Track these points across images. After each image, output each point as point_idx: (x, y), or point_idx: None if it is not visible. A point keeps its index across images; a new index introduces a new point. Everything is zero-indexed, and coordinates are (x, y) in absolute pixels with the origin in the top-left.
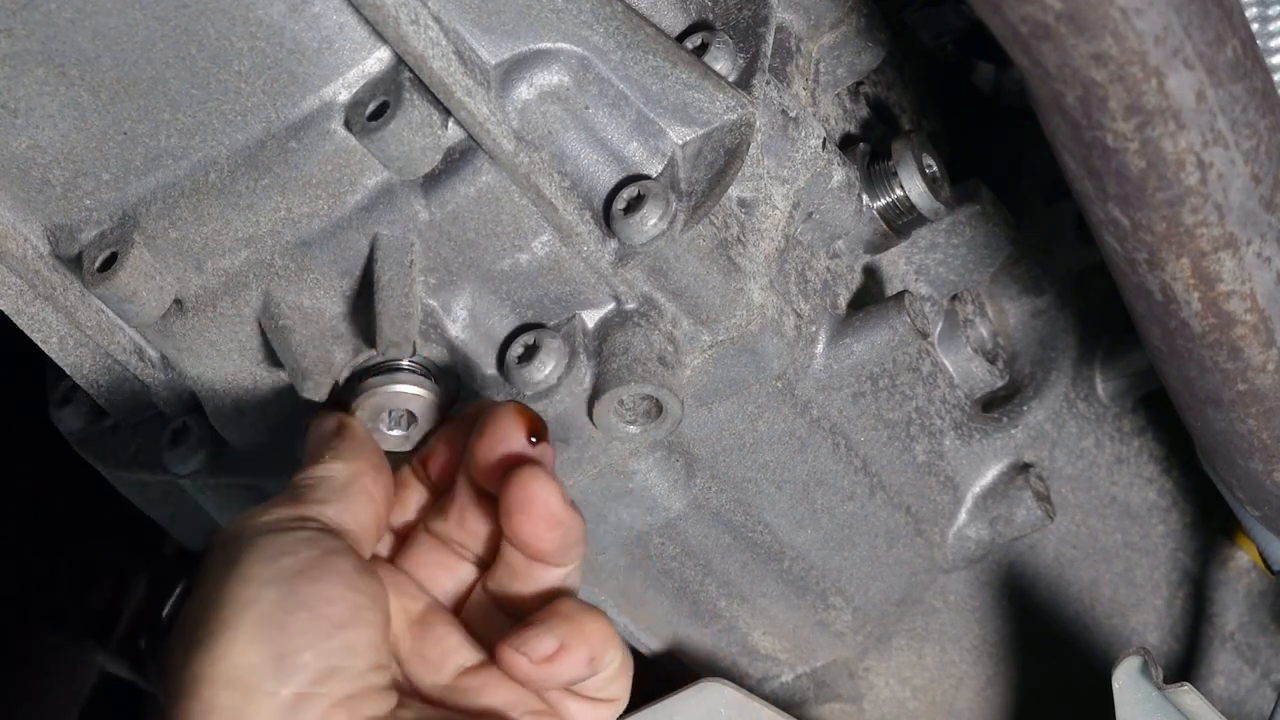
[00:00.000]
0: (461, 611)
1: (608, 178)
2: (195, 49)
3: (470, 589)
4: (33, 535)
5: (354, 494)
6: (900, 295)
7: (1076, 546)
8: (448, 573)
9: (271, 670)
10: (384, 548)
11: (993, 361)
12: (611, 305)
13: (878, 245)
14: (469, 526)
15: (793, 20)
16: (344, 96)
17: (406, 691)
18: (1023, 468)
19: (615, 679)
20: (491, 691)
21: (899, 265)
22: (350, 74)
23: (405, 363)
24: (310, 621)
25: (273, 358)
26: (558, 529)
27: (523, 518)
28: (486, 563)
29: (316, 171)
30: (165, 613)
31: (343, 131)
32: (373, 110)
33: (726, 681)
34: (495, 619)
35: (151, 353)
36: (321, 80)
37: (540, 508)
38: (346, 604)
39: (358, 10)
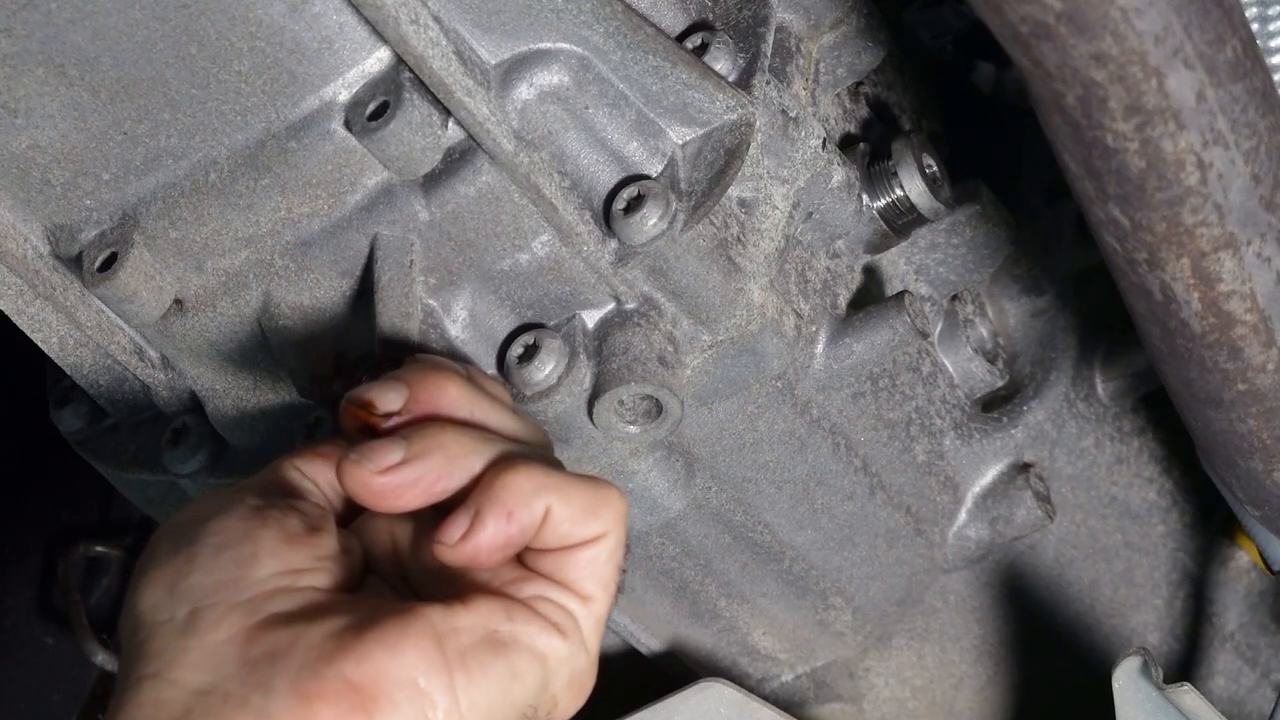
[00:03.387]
0: None
1: (608, 178)
2: (195, 49)
3: None
4: (33, 534)
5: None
6: (900, 295)
7: (1076, 546)
8: None
9: (166, 601)
10: None
11: (993, 361)
12: (611, 305)
13: (878, 245)
14: None
15: (793, 20)
16: (344, 96)
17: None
18: (1023, 468)
19: (570, 521)
20: (469, 574)
21: (899, 265)
22: (350, 74)
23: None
24: (199, 553)
25: (273, 358)
26: (387, 489)
27: (360, 496)
28: None
29: (316, 171)
30: None
31: (343, 131)
32: (373, 110)
33: (726, 681)
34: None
35: (151, 353)
36: (321, 80)
37: (360, 489)
38: (235, 530)
39: (358, 10)
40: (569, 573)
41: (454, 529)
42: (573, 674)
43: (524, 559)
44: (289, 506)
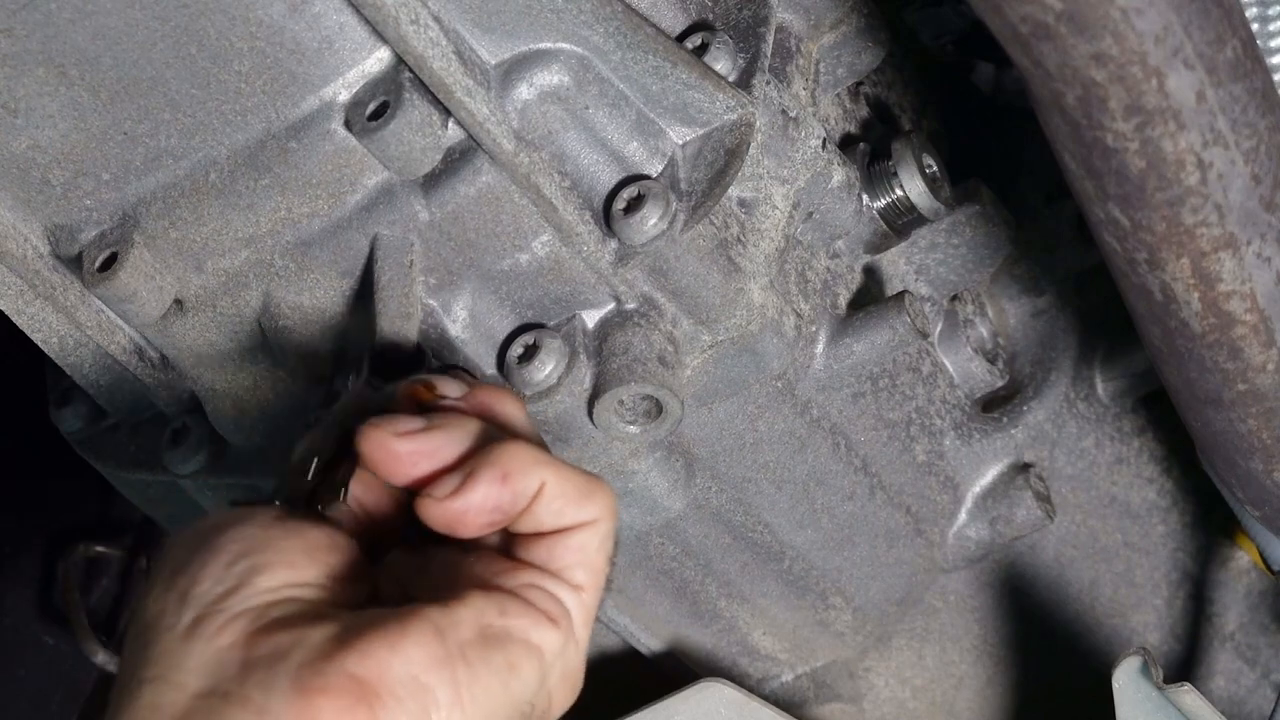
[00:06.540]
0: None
1: (608, 178)
2: (195, 49)
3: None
4: (33, 534)
5: None
6: (900, 295)
7: (1076, 546)
8: None
9: (174, 607)
10: None
11: (993, 361)
12: (611, 305)
13: (878, 245)
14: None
15: (793, 20)
16: (344, 96)
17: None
18: (1023, 468)
19: (565, 499)
20: (461, 572)
21: (899, 265)
22: (350, 74)
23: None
24: (213, 560)
25: (273, 358)
26: (398, 456)
27: (375, 463)
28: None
29: (316, 171)
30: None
31: (343, 131)
32: (373, 110)
33: (726, 681)
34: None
35: (151, 353)
36: (321, 80)
37: (379, 454)
38: (251, 540)
39: (358, 10)
40: (561, 559)
41: (445, 484)
42: (565, 669)
43: (516, 549)
44: (315, 519)
